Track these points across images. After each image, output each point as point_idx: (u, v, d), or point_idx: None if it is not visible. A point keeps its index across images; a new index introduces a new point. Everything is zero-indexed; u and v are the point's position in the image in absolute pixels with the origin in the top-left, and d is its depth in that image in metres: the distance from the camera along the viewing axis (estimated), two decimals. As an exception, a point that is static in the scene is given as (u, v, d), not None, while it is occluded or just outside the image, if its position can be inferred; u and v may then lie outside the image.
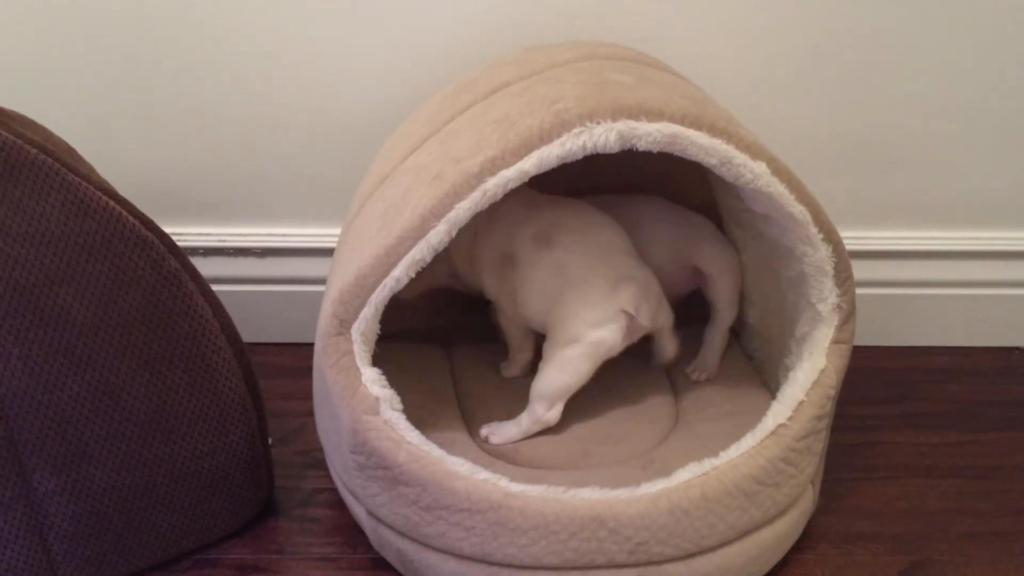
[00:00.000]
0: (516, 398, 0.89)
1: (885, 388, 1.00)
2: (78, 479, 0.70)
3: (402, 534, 0.71)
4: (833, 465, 0.80)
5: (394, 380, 0.71)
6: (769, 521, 0.72)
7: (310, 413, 0.83)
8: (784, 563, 0.76)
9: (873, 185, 1.01)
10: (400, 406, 0.70)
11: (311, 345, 0.76)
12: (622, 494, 0.68)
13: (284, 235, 1.02)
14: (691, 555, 0.69)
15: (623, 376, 0.90)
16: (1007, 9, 0.93)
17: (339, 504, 0.80)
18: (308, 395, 0.81)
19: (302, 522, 0.81)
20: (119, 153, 0.97)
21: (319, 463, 0.85)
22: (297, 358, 0.97)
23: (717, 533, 0.69)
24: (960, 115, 0.98)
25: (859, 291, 0.75)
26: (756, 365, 0.90)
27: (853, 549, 0.78)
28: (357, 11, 0.92)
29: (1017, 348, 1.07)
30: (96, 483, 0.71)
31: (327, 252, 1.00)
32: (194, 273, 0.72)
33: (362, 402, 0.69)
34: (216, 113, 0.97)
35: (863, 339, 0.89)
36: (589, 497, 0.67)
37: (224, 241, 1.02)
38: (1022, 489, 0.85)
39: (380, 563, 0.76)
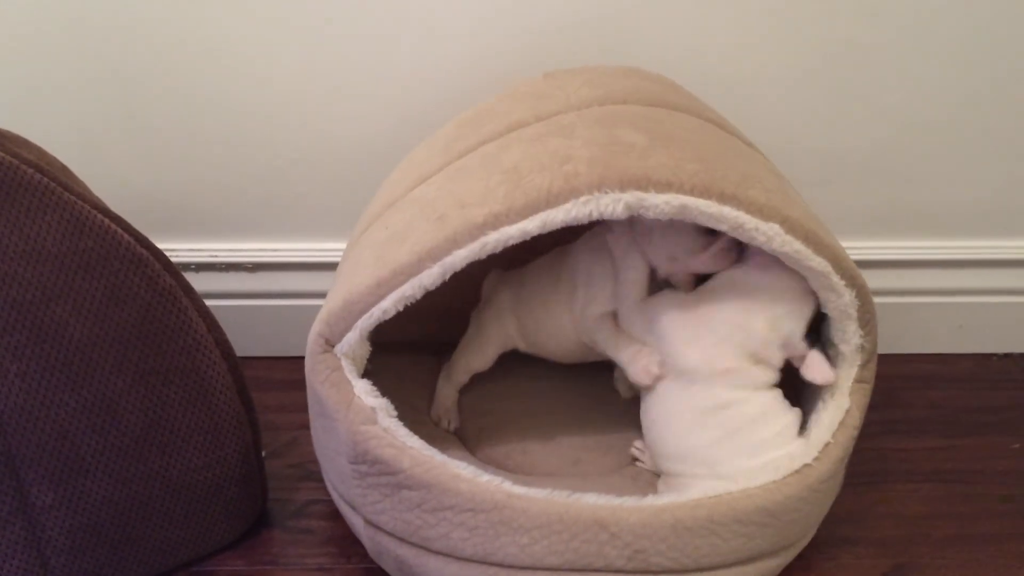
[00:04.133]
0: (507, 406, 0.90)
1: (872, 393, 1.01)
2: (75, 493, 0.71)
3: (402, 540, 0.72)
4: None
5: (388, 391, 0.72)
6: (774, 553, 0.73)
7: (303, 426, 0.84)
8: (771, 567, 0.78)
9: (854, 196, 1.03)
10: (395, 413, 0.71)
11: (303, 359, 0.77)
12: (627, 502, 0.69)
13: (275, 250, 1.03)
14: (688, 570, 0.70)
15: (612, 387, 0.91)
16: (985, 25, 0.95)
17: (333, 515, 0.81)
18: (300, 408, 0.82)
19: (296, 533, 0.82)
20: (112, 171, 0.97)
21: (312, 475, 0.86)
22: (289, 371, 0.98)
23: (718, 554, 0.70)
24: (939, 127, 1.00)
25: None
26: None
27: (837, 553, 0.80)
28: (349, 29, 0.94)
29: (996, 355, 1.09)
30: (93, 497, 0.71)
31: (318, 266, 1.01)
32: (188, 289, 0.73)
33: (358, 413, 0.70)
34: (207, 130, 0.98)
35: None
36: (594, 502, 0.68)
37: (216, 256, 1.03)
38: (1001, 493, 0.87)
39: (375, 572, 0.77)
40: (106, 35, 0.93)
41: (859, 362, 0.74)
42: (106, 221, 0.69)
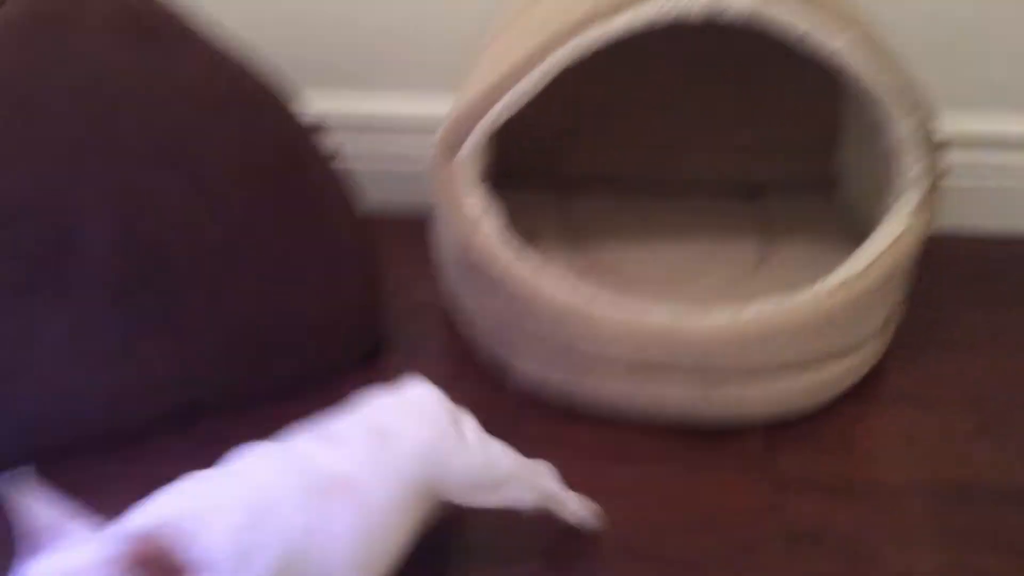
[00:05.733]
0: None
1: (966, 268, 0.98)
2: (218, 311, 0.76)
3: (497, 341, 0.81)
4: (909, 338, 0.83)
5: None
6: (838, 355, 0.76)
7: (419, 276, 0.90)
8: (856, 418, 0.79)
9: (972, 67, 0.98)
10: (500, 221, 0.77)
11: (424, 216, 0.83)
12: (695, 311, 0.74)
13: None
14: (754, 373, 0.75)
15: (708, 216, 0.96)
16: None
17: (450, 341, 0.87)
18: (415, 260, 0.89)
19: (414, 356, 0.85)
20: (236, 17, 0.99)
21: (428, 310, 0.91)
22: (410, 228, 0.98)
23: (777, 360, 0.74)
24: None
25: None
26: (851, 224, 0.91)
27: (925, 412, 0.80)
28: None
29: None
30: (233, 317, 0.77)
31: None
32: (312, 130, 0.79)
33: (467, 217, 0.77)
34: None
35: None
36: (660, 320, 0.74)
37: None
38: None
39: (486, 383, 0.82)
40: None
41: (921, 190, 0.75)
42: (238, 63, 0.75)
